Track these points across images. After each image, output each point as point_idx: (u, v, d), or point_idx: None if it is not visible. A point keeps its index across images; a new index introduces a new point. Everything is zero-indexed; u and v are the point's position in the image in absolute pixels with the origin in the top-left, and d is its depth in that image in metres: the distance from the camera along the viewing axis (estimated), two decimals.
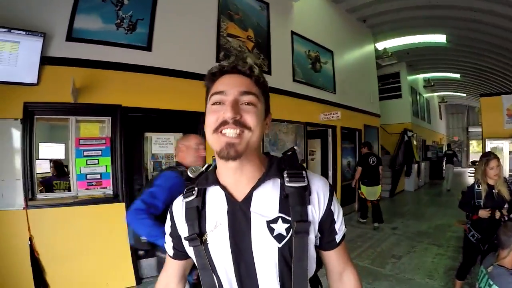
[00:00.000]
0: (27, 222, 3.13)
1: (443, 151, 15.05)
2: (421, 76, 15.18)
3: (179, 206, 0.99)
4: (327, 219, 0.92)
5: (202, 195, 0.93)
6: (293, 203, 0.84)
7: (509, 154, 7.96)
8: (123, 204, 3.68)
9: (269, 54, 5.59)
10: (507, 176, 7.46)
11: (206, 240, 0.88)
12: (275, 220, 0.84)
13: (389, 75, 12.88)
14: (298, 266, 0.83)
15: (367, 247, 5.21)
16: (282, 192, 0.87)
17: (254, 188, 0.86)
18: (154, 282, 3.77)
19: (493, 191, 3.08)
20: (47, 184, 3.62)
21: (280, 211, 0.85)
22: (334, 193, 0.95)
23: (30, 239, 3.14)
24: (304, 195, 0.86)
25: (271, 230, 0.83)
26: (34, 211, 3.18)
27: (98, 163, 3.62)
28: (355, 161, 8.36)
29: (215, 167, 0.96)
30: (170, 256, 1.06)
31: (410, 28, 9.39)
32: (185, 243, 0.94)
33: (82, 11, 3.48)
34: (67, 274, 3.32)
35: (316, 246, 0.93)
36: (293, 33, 6.27)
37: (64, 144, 3.61)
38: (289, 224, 0.84)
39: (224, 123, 0.80)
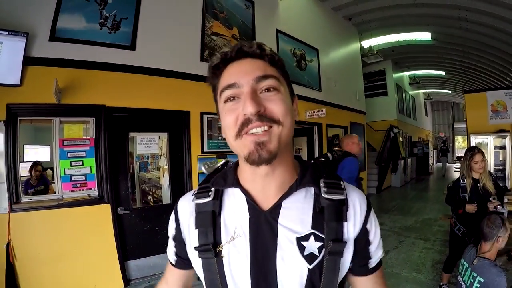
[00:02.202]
0: (8, 226, 3.11)
1: (439, 147, 18.91)
2: (407, 73, 15.54)
3: (186, 207, 0.85)
4: (362, 239, 0.79)
5: (219, 198, 0.79)
6: (329, 219, 0.72)
7: (494, 149, 8.21)
8: (108, 205, 3.72)
9: None
10: (492, 170, 7.71)
11: (220, 252, 0.74)
12: (306, 237, 0.72)
13: (375, 72, 13.17)
14: None
15: None
16: (317, 205, 0.74)
17: (284, 196, 0.74)
18: (142, 284, 3.82)
19: (478, 185, 3.24)
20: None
21: (313, 227, 0.73)
22: (372, 209, 0.82)
23: (8, 243, 3.11)
24: (341, 210, 0.74)
25: (301, 248, 0.71)
26: (18, 214, 3.19)
27: (83, 165, 3.65)
28: None
29: (236, 164, 0.83)
30: (172, 264, 0.92)
31: (395, 26, 9.61)
32: (193, 254, 0.80)
33: (65, 11, 3.49)
34: (53, 277, 3.34)
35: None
36: (278, 31, 6.36)
37: (49, 146, 3.64)
38: (322, 243, 0.71)
39: (246, 122, 0.66)
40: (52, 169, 3.71)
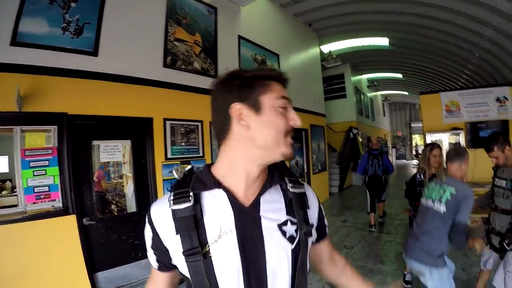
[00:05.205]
0: None
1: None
2: (365, 76, 16.42)
3: (162, 214, 0.90)
4: (320, 218, 1.09)
5: (199, 201, 0.87)
6: (297, 208, 0.94)
7: (449, 146, 8.84)
8: (73, 217, 3.70)
9: (216, 59, 5.85)
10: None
11: (208, 252, 0.82)
12: (285, 223, 0.91)
13: (334, 76, 13.78)
14: (303, 269, 0.91)
15: None
16: (286, 197, 0.96)
17: (261, 193, 0.91)
18: None
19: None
20: None
21: (287, 214, 0.93)
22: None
23: None
24: (304, 200, 0.98)
25: (284, 233, 0.89)
26: None
27: (46, 174, 3.61)
28: (303, 160, 9.03)
29: (207, 167, 0.96)
30: (156, 269, 1.00)
31: (354, 31, 10.14)
32: (178, 258, 0.87)
33: (27, 14, 3.45)
34: None
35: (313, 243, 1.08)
36: (240, 37, 6.61)
37: (7, 156, 3.56)
38: (296, 226, 0.92)
39: (292, 129, 0.90)
40: (11, 180, 3.62)
